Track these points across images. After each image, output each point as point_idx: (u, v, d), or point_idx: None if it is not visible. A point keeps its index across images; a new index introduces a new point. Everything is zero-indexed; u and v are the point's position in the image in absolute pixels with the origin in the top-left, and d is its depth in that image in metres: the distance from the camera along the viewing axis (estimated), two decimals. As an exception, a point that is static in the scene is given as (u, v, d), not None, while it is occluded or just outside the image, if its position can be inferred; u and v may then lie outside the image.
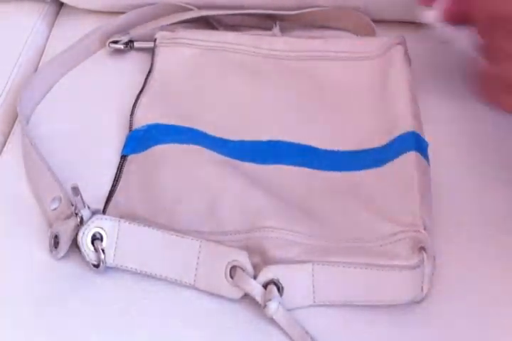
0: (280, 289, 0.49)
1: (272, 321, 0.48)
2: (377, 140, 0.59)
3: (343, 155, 0.59)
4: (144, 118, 0.62)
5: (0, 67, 0.70)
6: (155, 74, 0.67)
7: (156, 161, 0.58)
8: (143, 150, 0.59)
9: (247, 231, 0.52)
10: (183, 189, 0.56)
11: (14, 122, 0.66)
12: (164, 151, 0.58)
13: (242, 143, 0.60)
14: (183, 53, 0.68)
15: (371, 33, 0.71)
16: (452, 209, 0.55)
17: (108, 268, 0.51)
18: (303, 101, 0.64)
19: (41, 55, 0.74)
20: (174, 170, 0.57)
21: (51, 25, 0.78)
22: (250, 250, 0.51)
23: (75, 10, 0.77)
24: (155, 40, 0.69)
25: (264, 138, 0.60)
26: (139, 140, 0.60)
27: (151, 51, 0.69)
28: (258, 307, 0.49)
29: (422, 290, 0.49)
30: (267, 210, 0.53)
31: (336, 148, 0.60)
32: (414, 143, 0.57)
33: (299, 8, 0.73)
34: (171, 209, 0.54)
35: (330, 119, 0.62)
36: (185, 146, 0.59)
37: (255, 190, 0.55)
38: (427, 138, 0.58)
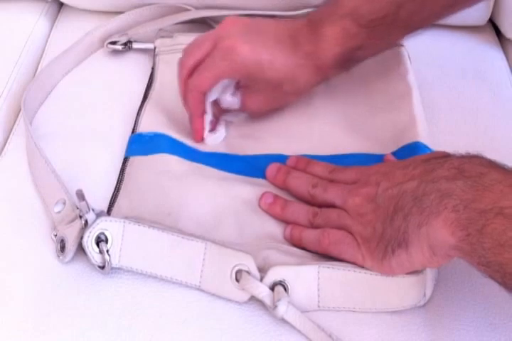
0: (287, 290, 0.49)
1: (274, 323, 0.49)
2: (382, 149, 0.59)
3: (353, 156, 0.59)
4: (148, 126, 0.61)
5: (0, 67, 0.70)
6: (156, 85, 0.66)
7: (162, 170, 0.57)
8: (147, 154, 0.59)
9: (251, 246, 0.52)
10: (188, 205, 0.55)
11: (15, 122, 0.66)
12: (170, 162, 0.58)
13: (245, 158, 0.60)
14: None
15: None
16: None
17: (110, 269, 0.51)
18: (306, 106, 0.64)
19: (41, 55, 0.73)
20: (178, 183, 0.56)
21: (51, 25, 0.78)
22: (254, 254, 0.50)
23: (75, 10, 0.77)
24: (154, 49, 0.69)
25: (270, 151, 0.60)
26: (143, 143, 0.60)
27: (149, 52, 0.70)
28: (260, 307, 0.50)
29: (424, 295, 0.49)
30: (270, 239, 0.54)
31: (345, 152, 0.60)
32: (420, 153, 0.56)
33: (296, 8, 0.73)
34: (174, 219, 0.54)
35: (336, 125, 0.62)
36: (190, 163, 0.58)
37: (259, 211, 0.55)
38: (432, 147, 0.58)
